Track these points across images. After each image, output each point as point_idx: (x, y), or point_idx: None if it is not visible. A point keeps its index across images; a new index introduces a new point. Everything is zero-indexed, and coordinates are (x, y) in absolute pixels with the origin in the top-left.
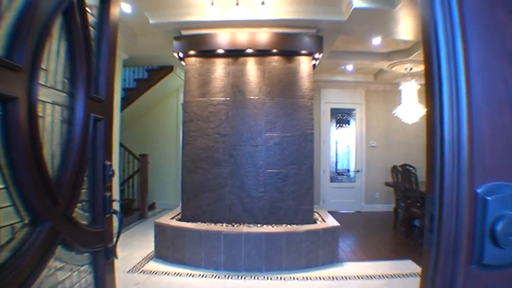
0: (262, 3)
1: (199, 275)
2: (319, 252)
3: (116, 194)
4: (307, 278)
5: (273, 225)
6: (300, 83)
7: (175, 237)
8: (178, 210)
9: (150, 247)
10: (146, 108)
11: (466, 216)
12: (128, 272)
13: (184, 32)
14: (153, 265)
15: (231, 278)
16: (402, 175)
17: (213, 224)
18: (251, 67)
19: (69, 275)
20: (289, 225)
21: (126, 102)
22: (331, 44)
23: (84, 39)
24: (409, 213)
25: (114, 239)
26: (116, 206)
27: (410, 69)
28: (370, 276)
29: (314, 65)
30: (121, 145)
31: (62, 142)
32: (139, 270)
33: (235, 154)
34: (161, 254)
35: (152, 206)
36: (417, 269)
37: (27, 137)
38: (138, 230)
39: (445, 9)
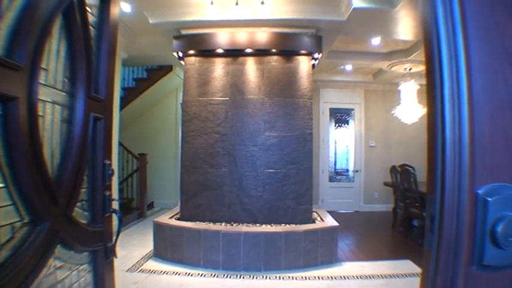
0: (262, 2)
1: (198, 274)
2: (318, 252)
3: (115, 193)
4: (305, 278)
5: (272, 224)
6: (299, 82)
7: (174, 236)
8: (177, 209)
9: (149, 246)
10: (145, 108)
11: (467, 217)
12: (127, 271)
13: (184, 32)
14: (152, 264)
15: (230, 277)
16: (401, 175)
17: (211, 224)
18: (250, 67)
19: (69, 274)
20: (288, 225)
21: (125, 101)
22: (330, 44)
23: (84, 39)
24: (408, 213)
25: (114, 238)
26: (115, 205)
27: (410, 69)
28: (368, 276)
29: (313, 65)
30: (120, 144)
31: (62, 141)
32: (138, 269)
33: (234, 154)
34: (160, 253)
35: (151, 205)
36: (416, 269)
37: (27, 137)
38: (137, 229)
39: (446, 9)
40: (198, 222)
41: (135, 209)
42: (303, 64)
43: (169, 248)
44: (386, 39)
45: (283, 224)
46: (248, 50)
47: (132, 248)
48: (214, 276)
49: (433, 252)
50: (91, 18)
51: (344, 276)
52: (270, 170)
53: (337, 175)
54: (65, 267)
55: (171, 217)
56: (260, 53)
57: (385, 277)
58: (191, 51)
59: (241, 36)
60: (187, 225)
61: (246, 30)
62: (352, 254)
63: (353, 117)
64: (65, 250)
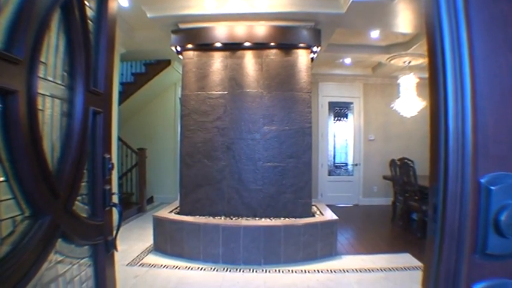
0: None
1: (198, 268)
2: (318, 245)
3: (114, 187)
4: (305, 271)
5: (271, 218)
6: (298, 76)
7: (174, 230)
8: (177, 203)
9: (148, 240)
10: (144, 103)
11: (470, 206)
12: (127, 265)
13: (182, 26)
14: (152, 258)
15: (230, 271)
16: (400, 169)
17: (211, 217)
18: (249, 60)
19: (69, 268)
20: (287, 219)
21: (123, 96)
22: (329, 37)
23: (83, 33)
24: (407, 207)
25: (114, 232)
26: (115, 199)
27: (409, 62)
28: (368, 269)
29: (312, 58)
30: (119, 139)
31: (62, 135)
32: (139, 263)
33: (233, 147)
34: (160, 247)
35: (150, 200)
36: (415, 262)
37: (27, 130)
38: (137, 224)
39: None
40: (197, 216)
41: (134, 204)
42: (302, 57)
43: (169, 242)
44: (386, 32)
45: (282, 218)
46: (246, 44)
47: (132, 242)
48: (214, 269)
49: (436, 241)
50: (89, 12)
51: (343, 269)
52: (269, 164)
53: (336, 169)
54: (65, 261)
55: (171, 211)
56: (258, 46)
57: (385, 270)
58: (189, 46)
59: (239, 30)
60: (186, 219)
61: (245, 24)
62: (352, 248)
63: (352, 111)
64: (66, 244)
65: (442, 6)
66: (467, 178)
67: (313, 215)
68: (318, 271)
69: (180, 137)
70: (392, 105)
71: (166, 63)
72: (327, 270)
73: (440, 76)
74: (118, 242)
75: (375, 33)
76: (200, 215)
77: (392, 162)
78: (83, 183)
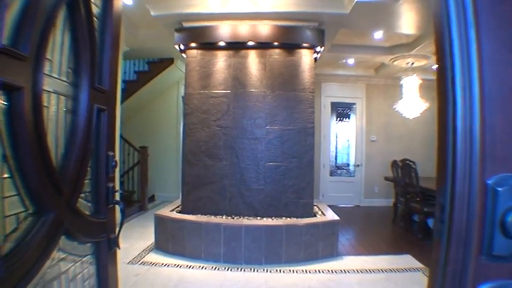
0: None
1: (199, 266)
2: (319, 245)
3: (116, 185)
4: (306, 271)
5: (273, 218)
6: (301, 76)
7: (176, 229)
8: (178, 202)
9: (150, 239)
10: (146, 101)
11: (477, 207)
12: (128, 263)
13: (186, 24)
14: (153, 257)
15: (231, 270)
16: (402, 170)
17: (213, 216)
18: (252, 60)
19: (72, 266)
20: (288, 218)
21: (126, 94)
22: (332, 38)
23: (88, 30)
24: (409, 208)
25: (117, 230)
26: (117, 196)
27: (412, 63)
28: (369, 270)
29: (315, 58)
30: (121, 137)
31: (66, 132)
32: (140, 262)
33: (235, 147)
34: (161, 245)
35: (152, 198)
36: (416, 263)
37: (32, 127)
38: (138, 222)
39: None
40: (199, 215)
41: (136, 202)
42: (305, 57)
43: (171, 240)
44: (389, 33)
45: (284, 218)
46: (250, 43)
47: (133, 240)
48: (215, 269)
49: (443, 242)
50: (95, 10)
51: (345, 270)
52: (271, 163)
53: (338, 169)
54: (68, 258)
55: (172, 210)
56: (262, 46)
57: (386, 271)
58: (193, 44)
59: (243, 29)
60: (188, 218)
61: (248, 23)
62: (353, 248)
63: (354, 112)
64: (69, 241)
65: (451, 6)
66: (474, 179)
67: (314, 215)
68: (319, 271)
69: (183, 135)
70: (395, 107)
71: (169, 61)
72: (328, 271)
73: (448, 76)
74: (120, 240)
75: (378, 34)
76: (202, 214)
77: (394, 164)
78: (87, 181)
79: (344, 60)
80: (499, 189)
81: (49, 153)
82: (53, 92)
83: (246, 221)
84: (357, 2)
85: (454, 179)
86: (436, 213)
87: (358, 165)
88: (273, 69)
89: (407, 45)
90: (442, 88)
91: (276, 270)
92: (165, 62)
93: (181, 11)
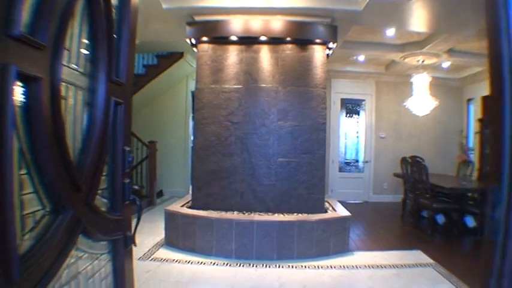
0: None
1: (211, 263)
2: (330, 241)
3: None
4: (318, 267)
5: (285, 213)
6: (313, 71)
7: (186, 224)
8: (188, 197)
9: (159, 234)
10: (155, 95)
11: None
12: (139, 259)
13: (197, 18)
14: (164, 252)
15: (243, 266)
16: (412, 167)
17: (224, 212)
18: (264, 55)
19: (90, 264)
20: (300, 214)
21: (135, 88)
22: (345, 34)
23: (106, 21)
24: (418, 204)
25: (134, 227)
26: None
27: (423, 61)
28: (380, 265)
29: (328, 55)
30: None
31: (83, 126)
32: (150, 258)
33: (247, 142)
34: (171, 241)
35: (160, 194)
36: (427, 259)
37: (50, 120)
38: (147, 217)
39: None
40: (210, 210)
41: (144, 197)
42: (318, 53)
43: (181, 236)
44: (401, 30)
45: (295, 213)
46: (262, 38)
47: (143, 236)
48: (226, 265)
49: (498, 239)
50: (113, 1)
51: (356, 266)
52: (282, 159)
53: (347, 165)
54: (85, 257)
55: (183, 205)
56: (274, 41)
57: (396, 267)
58: (204, 38)
59: (255, 24)
60: (199, 213)
61: (261, 18)
62: (363, 244)
63: (364, 108)
64: (86, 239)
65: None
66: None
67: (325, 211)
68: (331, 267)
69: (194, 130)
70: (405, 104)
71: (178, 55)
72: (340, 266)
73: (506, 75)
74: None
75: (390, 32)
76: (213, 210)
77: (404, 160)
78: (103, 177)
79: (355, 57)
80: None
81: (67, 148)
82: (70, 84)
83: (257, 217)
84: None
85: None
86: (487, 211)
87: (367, 162)
88: (285, 65)
89: (418, 43)
90: (496, 88)
91: (288, 266)
92: (174, 56)
93: (193, 4)
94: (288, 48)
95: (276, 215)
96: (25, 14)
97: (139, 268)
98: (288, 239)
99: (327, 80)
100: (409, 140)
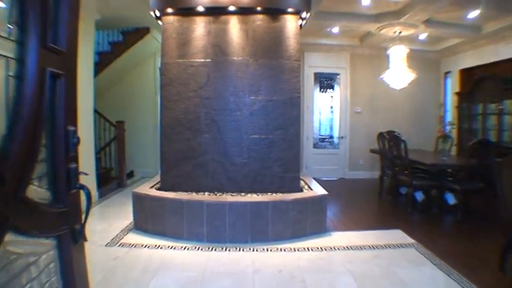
0: None
1: (181, 247)
2: (307, 221)
3: (92, 163)
4: (294, 249)
5: (258, 194)
6: (286, 43)
7: (155, 207)
8: (158, 178)
9: (128, 218)
10: (122, 73)
11: None
12: (106, 245)
13: None
14: (133, 237)
15: (215, 250)
16: (390, 142)
17: (194, 194)
18: (234, 26)
19: (29, 265)
20: (275, 194)
21: (100, 66)
22: (319, 4)
23: None
24: (396, 181)
25: (83, 219)
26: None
27: (400, 32)
28: (359, 246)
29: (301, 25)
30: (96, 112)
31: (9, 104)
32: (118, 243)
33: (217, 119)
34: (140, 225)
35: (131, 174)
36: (407, 239)
37: None
38: (117, 199)
39: None
40: (180, 192)
41: (114, 179)
42: (290, 23)
43: (150, 220)
44: None
45: (269, 193)
46: (231, 8)
47: (112, 220)
48: (198, 249)
49: None
50: None
51: (334, 247)
52: (255, 136)
53: (322, 141)
54: (22, 257)
55: (151, 187)
56: (244, 11)
57: (376, 248)
58: (169, 10)
59: None
60: (168, 195)
61: None
62: (341, 224)
63: (338, 83)
64: (20, 238)
65: None
66: None
67: (301, 190)
68: (308, 249)
69: (161, 108)
70: (381, 77)
71: (145, 31)
72: (317, 248)
73: None
74: (96, 221)
75: (366, 0)
76: (183, 191)
77: (381, 136)
78: (40, 163)
79: (329, 29)
80: None
81: None
82: None
83: (230, 198)
84: None
85: None
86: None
87: (342, 137)
88: (256, 36)
89: (395, 13)
90: None
91: (263, 249)
92: (140, 32)
93: None
94: (259, 19)
95: (249, 195)
96: None
97: (106, 255)
98: (263, 221)
99: (300, 52)
100: (385, 115)
